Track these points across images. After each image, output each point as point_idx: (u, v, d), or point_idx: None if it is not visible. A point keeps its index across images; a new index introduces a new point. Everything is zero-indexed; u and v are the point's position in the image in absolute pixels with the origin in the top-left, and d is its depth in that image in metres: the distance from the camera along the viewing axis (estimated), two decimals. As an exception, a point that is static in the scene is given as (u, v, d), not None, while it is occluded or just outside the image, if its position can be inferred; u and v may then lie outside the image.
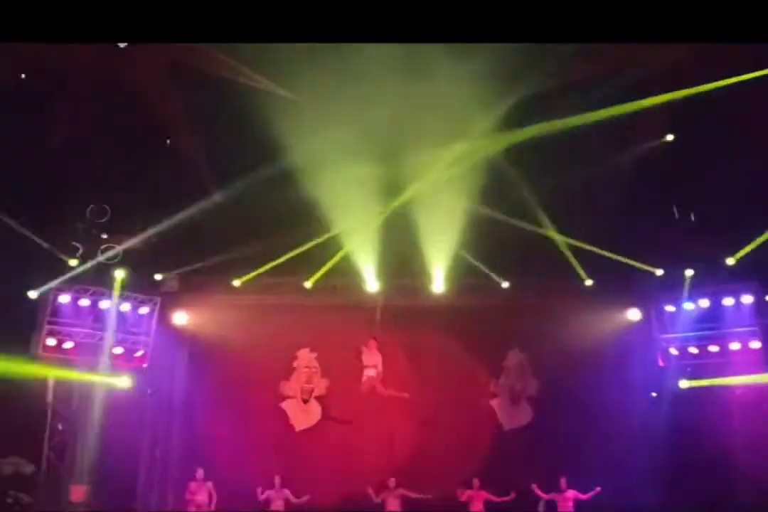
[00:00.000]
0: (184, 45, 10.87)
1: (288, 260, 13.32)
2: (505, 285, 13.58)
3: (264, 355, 13.74)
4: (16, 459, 13.52)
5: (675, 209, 13.68)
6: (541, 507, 12.50)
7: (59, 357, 13.23)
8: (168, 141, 13.26)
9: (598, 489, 12.33)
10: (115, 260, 13.52)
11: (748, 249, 12.35)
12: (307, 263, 13.47)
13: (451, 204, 12.96)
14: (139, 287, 13.65)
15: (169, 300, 13.88)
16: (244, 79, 12.05)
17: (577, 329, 13.37)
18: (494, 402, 13.97)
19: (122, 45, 11.18)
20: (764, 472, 12.55)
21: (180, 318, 14.01)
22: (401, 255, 13.30)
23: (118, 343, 13.57)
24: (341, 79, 11.76)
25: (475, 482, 12.77)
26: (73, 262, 13.19)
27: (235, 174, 12.96)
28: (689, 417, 12.97)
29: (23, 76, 11.45)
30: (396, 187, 12.93)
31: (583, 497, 12.45)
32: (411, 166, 12.76)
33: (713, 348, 13.28)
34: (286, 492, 12.77)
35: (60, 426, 13.58)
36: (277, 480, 12.75)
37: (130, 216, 13.58)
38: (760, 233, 12.28)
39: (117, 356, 13.60)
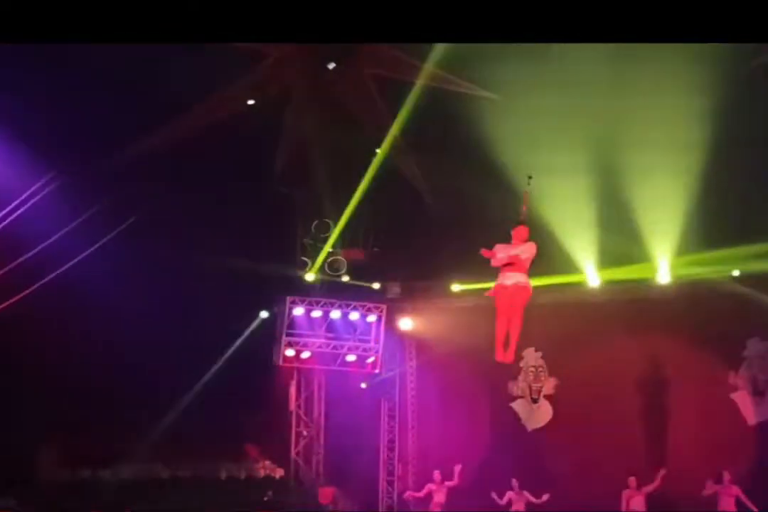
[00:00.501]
0: (385, 55, 11.36)
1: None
2: (736, 273, 12.89)
3: (488, 356, 13.79)
4: (267, 463, 14.51)
5: None
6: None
7: (299, 366, 14.14)
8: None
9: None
10: (341, 272, 14.27)
11: None
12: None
13: (675, 187, 12.42)
14: (366, 296, 14.28)
15: (394, 307, 14.40)
16: (444, 83, 12.33)
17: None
18: (736, 395, 13.24)
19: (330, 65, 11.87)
20: None
21: (405, 323, 14.48)
22: (621, 247, 12.98)
23: (351, 351, 14.28)
24: (546, 79, 11.77)
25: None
26: (309, 277, 14.03)
27: (445, 176, 13.26)
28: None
29: (251, 102, 12.29)
30: (612, 173, 12.54)
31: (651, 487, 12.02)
32: (625, 151, 12.32)
33: None
34: (526, 493, 12.79)
35: (305, 432, 14.47)
36: (515, 482, 12.79)
37: (352, 228, 14.25)
38: None
39: (350, 363, 14.31)
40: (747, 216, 12.39)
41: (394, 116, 12.64)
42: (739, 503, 11.86)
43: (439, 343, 14.13)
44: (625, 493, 12.36)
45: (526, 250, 8.10)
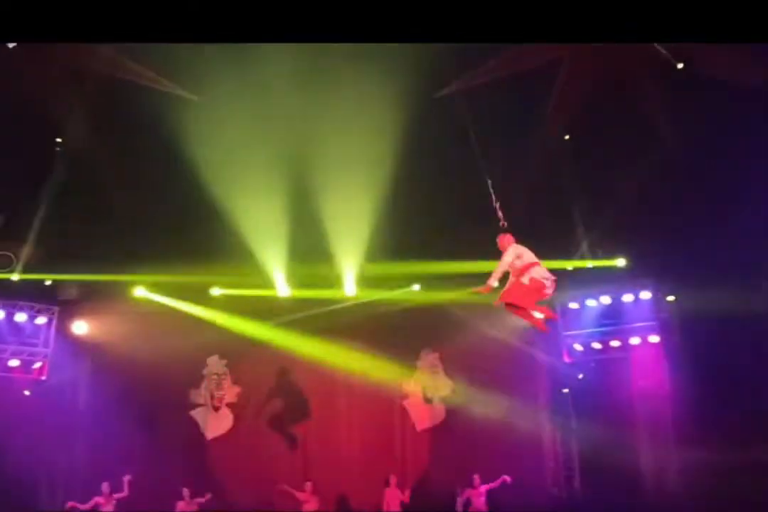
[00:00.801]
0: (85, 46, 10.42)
1: (193, 266, 12.98)
2: (416, 287, 13.67)
3: (171, 363, 13.35)
4: None
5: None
6: (459, 505, 12.68)
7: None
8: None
9: (506, 477, 12.59)
10: (9, 269, 12.88)
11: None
12: (213, 268, 13.19)
13: (361, 204, 12.90)
14: (37, 296, 13.05)
15: (69, 310, 13.35)
16: (144, 80, 11.62)
17: (486, 328, 13.58)
18: (407, 402, 14.07)
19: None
20: (665, 464, 13.16)
21: (80, 327, 13.48)
22: (311, 259, 13.17)
23: (14, 355, 13.02)
24: (245, 80, 11.54)
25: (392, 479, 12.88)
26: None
27: (135, 175, 12.56)
28: (595, 411, 13.43)
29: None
30: (303, 190, 12.75)
31: (493, 485, 12.68)
32: (318, 168, 12.62)
33: (615, 343, 13.79)
34: (198, 500, 12.55)
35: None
36: (185, 492, 12.49)
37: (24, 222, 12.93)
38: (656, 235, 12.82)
39: (13, 369, 13.04)
40: (430, 231, 13.13)
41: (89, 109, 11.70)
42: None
43: (118, 349, 13.30)
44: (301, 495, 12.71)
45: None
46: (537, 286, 7.59)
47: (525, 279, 7.59)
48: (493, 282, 7.70)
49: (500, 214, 8.50)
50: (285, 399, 13.74)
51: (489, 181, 9.09)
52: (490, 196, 8.82)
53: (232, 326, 13.37)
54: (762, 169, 11.24)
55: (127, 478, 12.35)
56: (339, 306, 13.70)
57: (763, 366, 12.33)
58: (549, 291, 7.65)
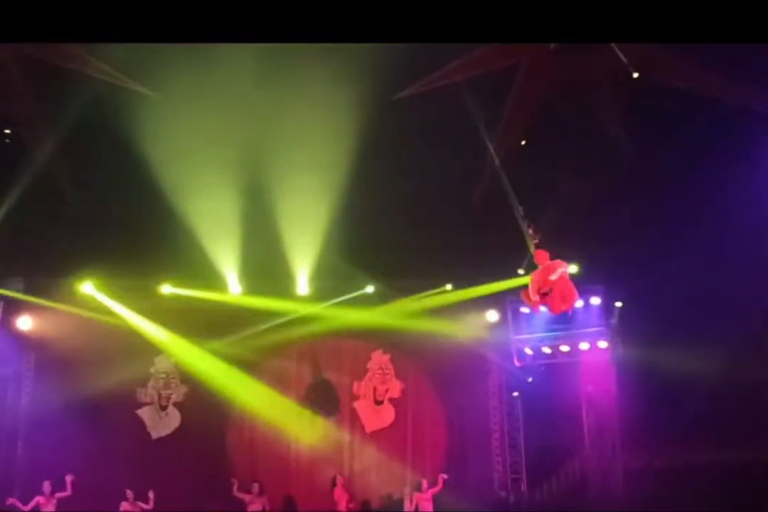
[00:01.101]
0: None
1: (144, 262, 12.82)
2: (370, 289, 13.68)
3: (118, 361, 13.14)
4: None
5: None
6: (407, 508, 12.66)
7: None
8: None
9: (444, 476, 12.58)
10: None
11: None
12: (164, 265, 13.05)
13: (316, 205, 12.88)
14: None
15: (13, 304, 13.06)
16: (100, 74, 11.43)
17: (440, 330, 13.61)
18: (357, 404, 14.04)
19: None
20: (611, 468, 13.32)
21: (24, 322, 13.21)
22: (264, 257, 13.09)
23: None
24: (202, 79, 11.44)
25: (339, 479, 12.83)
26: None
27: (88, 170, 12.36)
28: (543, 414, 13.54)
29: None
30: (257, 188, 12.68)
31: (437, 489, 12.64)
32: (273, 167, 12.56)
33: (564, 348, 13.91)
34: (141, 504, 12.31)
35: None
36: (129, 494, 12.28)
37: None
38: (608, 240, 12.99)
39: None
40: (385, 233, 13.12)
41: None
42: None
43: (63, 345, 13.06)
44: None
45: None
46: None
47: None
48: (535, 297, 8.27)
49: (531, 231, 9.23)
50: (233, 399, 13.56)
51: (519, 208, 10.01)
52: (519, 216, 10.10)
53: (181, 325, 13.21)
54: (712, 177, 11.45)
55: (69, 478, 12.11)
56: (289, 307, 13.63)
57: (708, 372, 12.55)
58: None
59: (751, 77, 10.88)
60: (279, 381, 13.78)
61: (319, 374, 14.00)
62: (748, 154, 11.18)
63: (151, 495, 12.11)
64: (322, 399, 13.85)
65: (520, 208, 9.86)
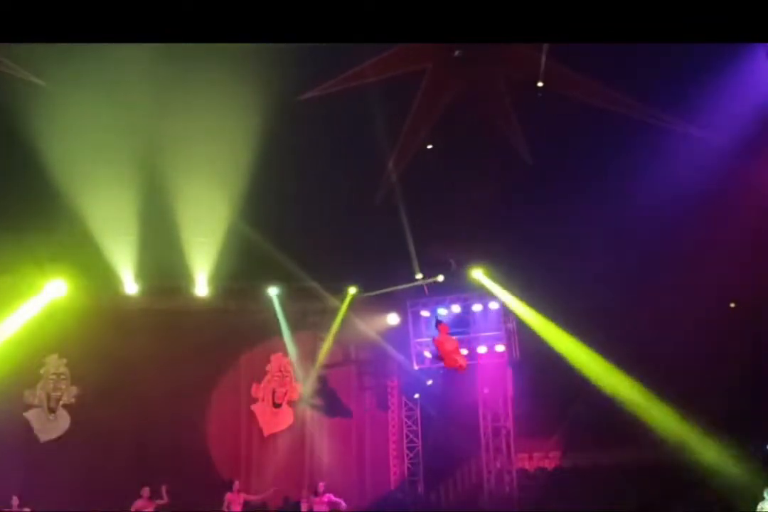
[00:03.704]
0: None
1: (33, 258, 12.40)
2: (273, 291, 13.60)
3: (7, 361, 12.64)
4: None
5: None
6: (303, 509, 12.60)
7: None
8: None
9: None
10: None
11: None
12: (57, 262, 12.66)
13: (215, 206, 12.72)
14: None
15: None
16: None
17: (344, 333, 13.64)
18: (255, 407, 13.88)
19: None
20: (506, 469, 13.57)
21: None
22: (162, 256, 12.83)
23: None
24: (101, 74, 11.17)
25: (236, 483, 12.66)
26: None
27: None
28: (441, 417, 13.70)
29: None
30: (157, 187, 12.42)
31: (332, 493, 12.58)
32: (173, 166, 12.33)
33: (463, 352, 14.04)
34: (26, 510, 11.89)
35: None
36: (15, 500, 11.81)
37: None
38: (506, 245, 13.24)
39: None
40: (285, 233, 13.03)
41: None
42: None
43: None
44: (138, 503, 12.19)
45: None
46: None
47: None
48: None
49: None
50: (127, 400, 13.23)
51: None
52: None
53: (73, 324, 12.83)
54: (607, 180, 11.85)
55: None
56: (188, 308, 13.43)
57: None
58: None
59: (636, 90, 11.37)
60: (175, 383, 13.51)
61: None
62: (637, 159, 11.62)
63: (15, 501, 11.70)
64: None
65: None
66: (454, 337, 10.99)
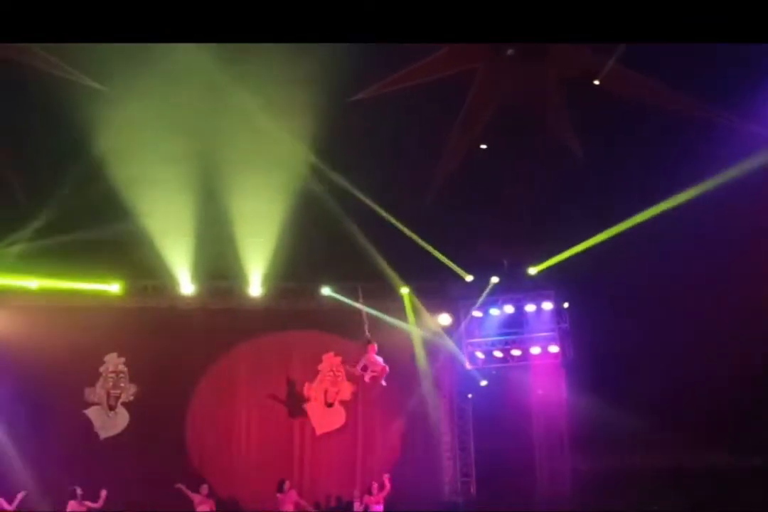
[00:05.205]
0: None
1: (94, 259, 12.72)
2: (326, 290, 13.70)
3: (67, 360, 12.98)
4: None
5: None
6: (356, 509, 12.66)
7: None
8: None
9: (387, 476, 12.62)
10: None
11: (550, 262, 13.25)
12: (116, 264, 12.97)
13: (270, 205, 12.88)
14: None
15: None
16: (51, 68, 11.34)
17: (393, 332, 13.68)
18: (308, 406, 13.99)
19: None
20: (560, 470, 13.45)
21: (-27, 321, 13.02)
22: (217, 256, 13.06)
23: None
24: (157, 76, 11.41)
25: (287, 482, 12.75)
26: None
27: (40, 166, 12.25)
28: (493, 418, 13.62)
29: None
30: (212, 187, 12.64)
31: (386, 492, 12.58)
32: (225, 167, 12.53)
33: (516, 352, 14.02)
34: (88, 503, 12.15)
35: None
36: (78, 491, 12.10)
37: None
38: (560, 245, 13.16)
39: None
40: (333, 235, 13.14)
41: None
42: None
43: (11, 345, 12.86)
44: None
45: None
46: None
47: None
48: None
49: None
50: (184, 399, 13.48)
51: None
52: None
53: (131, 324, 13.14)
54: (662, 181, 11.69)
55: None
56: (241, 307, 13.63)
57: (655, 378, 12.74)
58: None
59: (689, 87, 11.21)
60: (229, 383, 13.74)
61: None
62: (692, 159, 11.43)
63: (102, 493, 11.97)
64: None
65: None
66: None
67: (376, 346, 12.06)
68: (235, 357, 13.74)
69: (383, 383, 12.27)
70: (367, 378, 12.12)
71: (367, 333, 12.38)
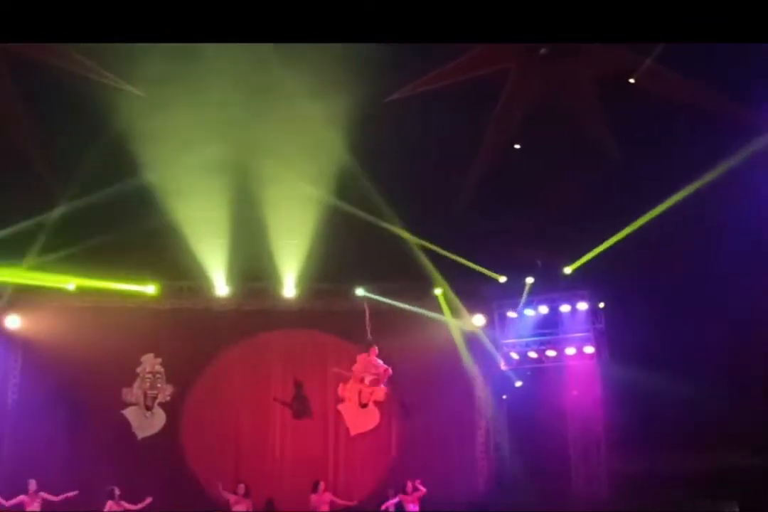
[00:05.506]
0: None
1: (131, 261, 12.87)
2: (360, 292, 13.73)
3: (104, 361, 13.16)
4: None
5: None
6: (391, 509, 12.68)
7: None
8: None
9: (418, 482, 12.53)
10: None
11: (584, 259, 13.15)
12: (152, 265, 13.12)
13: (304, 207, 12.96)
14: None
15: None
16: (89, 73, 11.50)
17: (428, 333, 13.67)
18: (342, 406, 14.03)
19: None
20: (595, 471, 13.35)
21: (12, 321, 13.22)
22: (252, 258, 13.16)
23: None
24: (193, 80, 11.52)
25: (321, 485, 12.81)
26: None
27: (77, 168, 12.42)
28: (528, 419, 13.56)
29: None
30: (247, 191, 12.74)
31: (422, 492, 12.54)
32: (259, 168, 12.62)
33: (551, 353, 13.95)
34: (125, 504, 12.26)
35: None
36: (117, 491, 12.24)
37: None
38: (595, 245, 13.07)
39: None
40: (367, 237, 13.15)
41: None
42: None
43: (50, 345, 13.07)
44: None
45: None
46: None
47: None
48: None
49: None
50: (219, 400, 13.59)
51: None
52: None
53: (167, 325, 13.28)
54: (691, 180, 11.58)
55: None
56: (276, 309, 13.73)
57: (693, 378, 12.59)
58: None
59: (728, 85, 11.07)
60: (265, 383, 13.82)
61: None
62: (728, 157, 11.31)
63: (147, 500, 12.04)
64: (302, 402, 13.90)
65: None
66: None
67: (376, 349, 12.32)
68: (269, 358, 13.82)
69: (382, 386, 12.30)
70: (367, 381, 12.20)
71: (369, 335, 12.44)
